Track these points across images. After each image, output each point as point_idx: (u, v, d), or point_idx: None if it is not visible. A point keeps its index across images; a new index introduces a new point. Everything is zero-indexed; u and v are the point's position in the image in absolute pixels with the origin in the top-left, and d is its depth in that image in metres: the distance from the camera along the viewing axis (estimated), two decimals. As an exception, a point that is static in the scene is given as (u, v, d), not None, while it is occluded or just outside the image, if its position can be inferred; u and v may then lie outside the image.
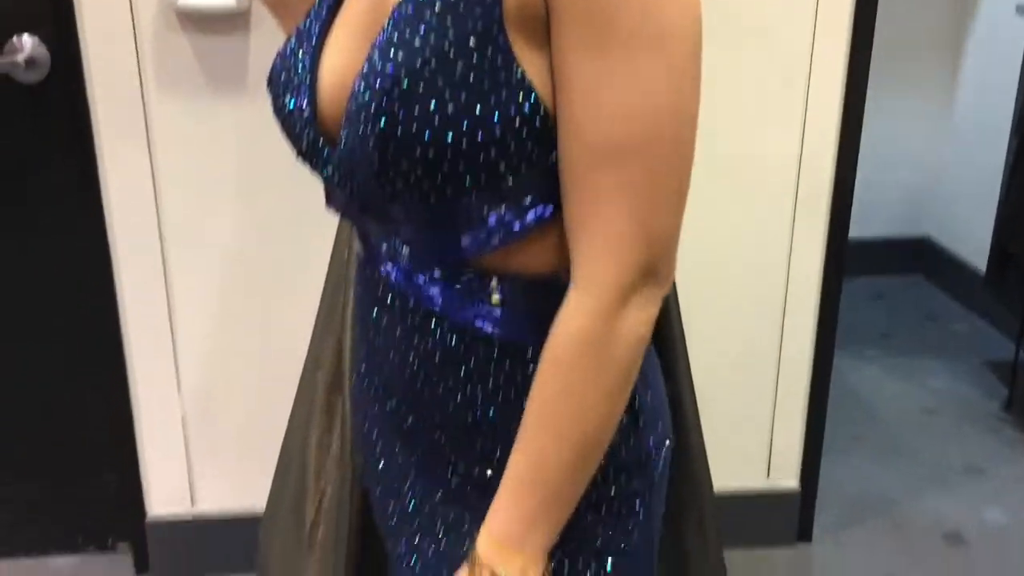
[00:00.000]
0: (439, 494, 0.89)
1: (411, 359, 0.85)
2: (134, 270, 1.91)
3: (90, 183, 1.85)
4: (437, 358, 0.84)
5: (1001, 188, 2.82)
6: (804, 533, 2.20)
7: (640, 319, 0.76)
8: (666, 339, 1.25)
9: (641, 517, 0.87)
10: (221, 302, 1.94)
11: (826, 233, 1.99)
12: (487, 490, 0.82)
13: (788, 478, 2.16)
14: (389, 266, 0.85)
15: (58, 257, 1.96)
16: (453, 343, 0.83)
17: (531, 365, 0.80)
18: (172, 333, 1.94)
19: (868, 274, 3.46)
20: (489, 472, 0.84)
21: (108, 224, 1.87)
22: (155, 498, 2.06)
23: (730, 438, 2.07)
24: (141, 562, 2.11)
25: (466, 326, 0.82)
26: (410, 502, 0.91)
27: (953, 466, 2.49)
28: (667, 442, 0.91)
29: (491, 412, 0.83)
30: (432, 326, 0.83)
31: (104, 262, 1.90)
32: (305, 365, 1.60)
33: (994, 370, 2.94)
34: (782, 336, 2.05)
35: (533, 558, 0.79)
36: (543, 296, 0.79)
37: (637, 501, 0.87)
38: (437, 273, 0.82)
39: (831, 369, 2.11)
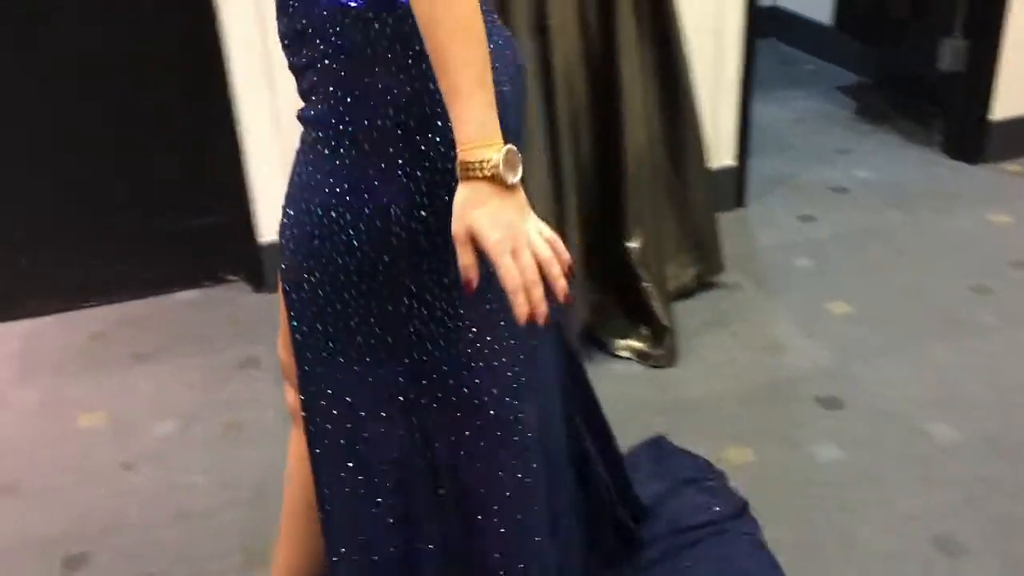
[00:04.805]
0: None
1: None
2: (238, 26, 2.37)
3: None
4: None
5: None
6: (740, 200, 3.00)
7: None
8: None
9: None
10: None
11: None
12: None
13: (728, 159, 2.93)
14: None
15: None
16: None
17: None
18: (272, 85, 2.43)
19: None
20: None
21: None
22: (264, 229, 2.59)
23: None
24: (256, 284, 2.65)
25: None
26: None
27: (827, 149, 3.36)
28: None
29: None
30: None
31: (210, 17, 2.36)
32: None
33: (843, 92, 3.83)
34: (719, 82, 2.78)
35: (495, 138, 0.93)
36: None
37: None
38: None
39: (752, 92, 2.89)
